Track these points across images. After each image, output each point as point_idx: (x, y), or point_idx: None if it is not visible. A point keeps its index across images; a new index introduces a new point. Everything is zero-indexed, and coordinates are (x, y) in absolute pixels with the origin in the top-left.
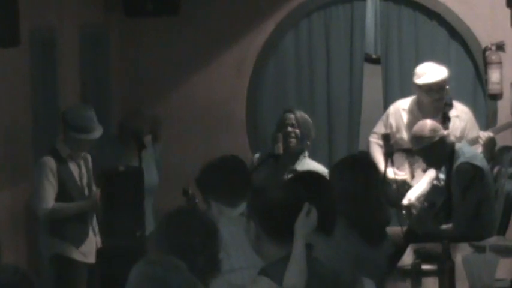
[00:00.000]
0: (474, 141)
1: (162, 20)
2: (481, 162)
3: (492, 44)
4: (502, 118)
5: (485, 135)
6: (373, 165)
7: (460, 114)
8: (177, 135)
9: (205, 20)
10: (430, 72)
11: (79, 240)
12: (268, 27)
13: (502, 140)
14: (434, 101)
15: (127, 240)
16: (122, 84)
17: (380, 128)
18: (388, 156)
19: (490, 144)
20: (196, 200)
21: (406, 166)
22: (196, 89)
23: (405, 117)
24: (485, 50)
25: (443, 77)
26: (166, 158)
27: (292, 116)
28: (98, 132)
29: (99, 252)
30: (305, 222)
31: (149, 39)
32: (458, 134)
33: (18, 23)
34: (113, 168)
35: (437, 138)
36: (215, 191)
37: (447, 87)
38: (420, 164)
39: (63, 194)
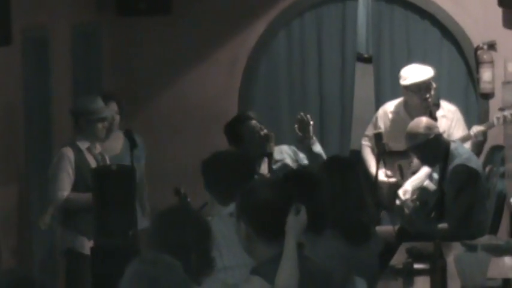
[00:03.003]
0: (465, 139)
1: (154, 19)
2: (476, 164)
3: (484, 43)
4: (493, 117)
5: (477, 128)
6: (352, 166)
7: (447, 113)
8: (169, 134)
9: (197, 19)
10: (415, 72)
11: None
12: (260, 26)
13: (494, 140)
14: (423, 101)
15: (119, 239)
16: (114, 83)
17: (370, 130)
18: (381, 155)
19: (481, 137)
20: (189, 199)
21: (396, 169)
22: (189, 88)
23: (392, 120)
24: (477, 49)
25: (430, 75)
26: (158, 156)
27: (254, 121)
28: (108, 111)
29: (92, 251)
30: (295, 221)
31: (142, 38)
32: (445, 134)
33: (10, 22)
34: (105, 167)
35: (432, 136)
36: (209, 185)
37: (434, 86)
38: (410, 166)
39: (80, 185)
